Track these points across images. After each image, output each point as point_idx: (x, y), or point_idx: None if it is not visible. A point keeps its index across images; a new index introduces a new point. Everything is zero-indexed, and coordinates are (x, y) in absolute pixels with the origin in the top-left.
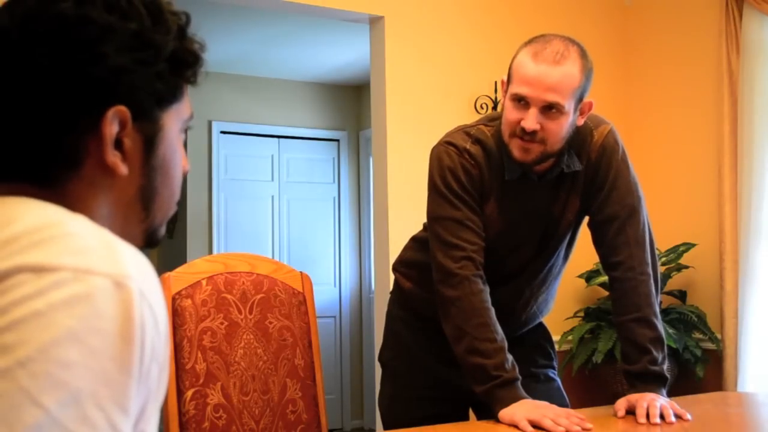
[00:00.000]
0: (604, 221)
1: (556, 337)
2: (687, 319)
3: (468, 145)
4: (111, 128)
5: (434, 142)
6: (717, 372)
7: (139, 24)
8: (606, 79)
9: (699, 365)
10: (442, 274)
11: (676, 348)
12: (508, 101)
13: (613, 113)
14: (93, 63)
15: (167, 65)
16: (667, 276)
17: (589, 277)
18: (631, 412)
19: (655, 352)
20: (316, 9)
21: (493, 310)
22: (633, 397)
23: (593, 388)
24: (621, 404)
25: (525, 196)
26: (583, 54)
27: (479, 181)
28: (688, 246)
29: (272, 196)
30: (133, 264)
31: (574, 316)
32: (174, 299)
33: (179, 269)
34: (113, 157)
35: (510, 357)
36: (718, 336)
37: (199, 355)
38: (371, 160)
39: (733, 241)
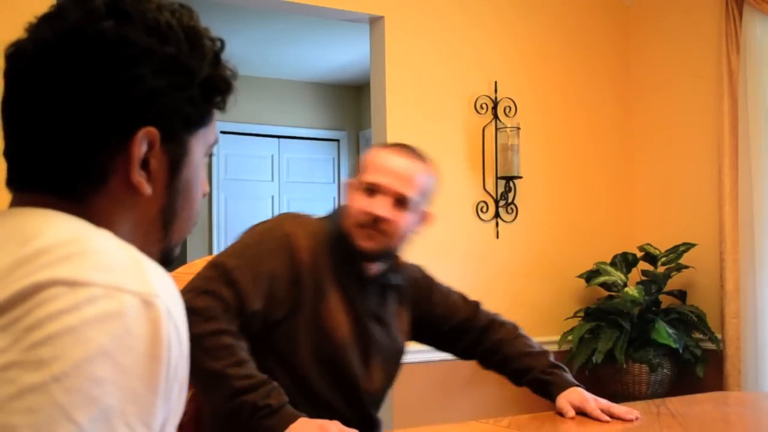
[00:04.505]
0: (443, 314)
1: (555, 337)
2: (687, 319)
3: (306, 239)
4: (140, 148)
5: (434, 142)
6: (717, 372)
7: (177, 48)
8: (606, 79)
9: (699, 365)
10: (191, 292)
11: (676, 348)
12: (356, 192)
13: (613, 113)
14: (129, 84)
15: (199, 90)
16: (667, 276)
17: (589, 277)
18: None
19: (545, 350)
20: (316, 9)
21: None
22: (574, 400)
23: (593, 388)
24: (566, 407)
25: (363, 297)
26: (429, 169)
27: (311, 277)
28: (688, 246)
29: (272, 196)
30: (160, 282)
31: (574, 316)
32: None
33: (179, 269)
34: (139, 177)
35: (274, 386)
36: (719, 336)
37: None
38: None
39: (734, 241)
